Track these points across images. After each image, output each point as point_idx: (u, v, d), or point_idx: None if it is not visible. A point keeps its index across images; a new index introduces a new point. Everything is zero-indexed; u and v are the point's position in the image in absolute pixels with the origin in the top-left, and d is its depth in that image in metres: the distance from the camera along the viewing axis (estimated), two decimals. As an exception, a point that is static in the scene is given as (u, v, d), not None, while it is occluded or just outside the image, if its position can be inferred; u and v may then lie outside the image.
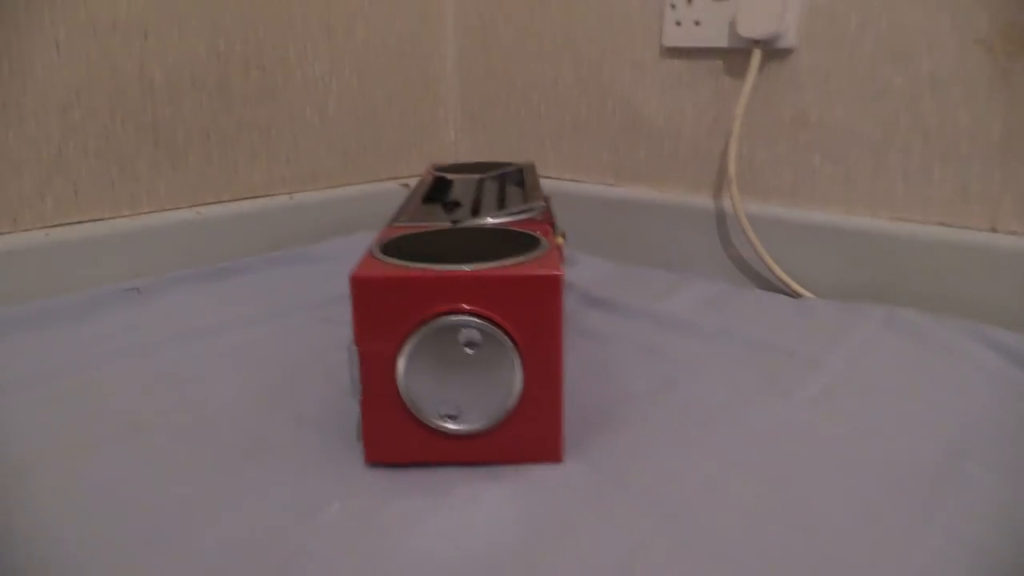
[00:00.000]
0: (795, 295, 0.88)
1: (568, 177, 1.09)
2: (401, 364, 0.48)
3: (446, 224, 0.59)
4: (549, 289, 0.48)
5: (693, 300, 0.84)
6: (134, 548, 0.44)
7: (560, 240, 0.57)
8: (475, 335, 0.48)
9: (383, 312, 0.48)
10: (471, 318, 0.47)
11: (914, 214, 0.84)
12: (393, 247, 0.53)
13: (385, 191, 1.13)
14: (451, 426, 0.50)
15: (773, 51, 0.88)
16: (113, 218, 0.88)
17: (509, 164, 0.88)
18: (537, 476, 0.50)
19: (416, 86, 1.15)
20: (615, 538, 0.45)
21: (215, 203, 0.96)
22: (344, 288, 0.88)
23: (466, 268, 0.48)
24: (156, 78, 0.89)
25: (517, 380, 0.49)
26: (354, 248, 1.02)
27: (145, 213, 0.91)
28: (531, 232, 0.56)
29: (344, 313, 0.81)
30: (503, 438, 0.50)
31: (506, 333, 0.48)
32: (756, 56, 0.87)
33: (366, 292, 0.48)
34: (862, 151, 0.85)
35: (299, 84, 1.02)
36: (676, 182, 1.00)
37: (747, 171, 0.93)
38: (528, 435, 0.51)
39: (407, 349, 0.48)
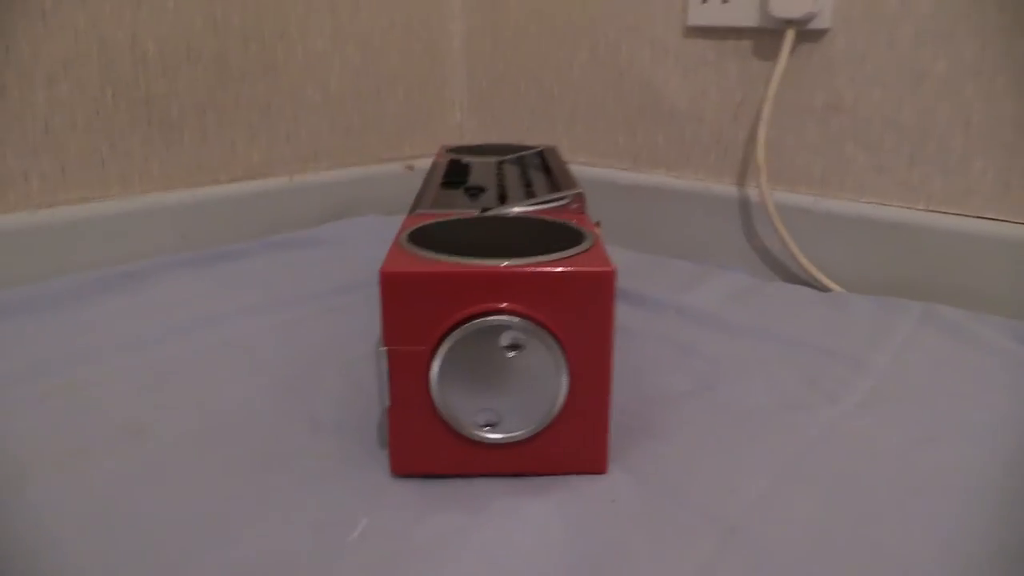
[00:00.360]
0: (823, 289, 0.84)
1: (582, 161, 1.05)
2: (435, 368, 0.44)
3: (474, 212, 0.55)
4: (602, 287, 0.43)
5: (719, 293, 0.80)
6: (138, 573, 0.39)
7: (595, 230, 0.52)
8: (519, 337, 0.43)
9: (416, 311, 0.43)
10: (515, 318, 0.43)
11: (952, 206, 0.80)
12: (422, 237, 0.48)
13: (388, 172, 1.08)
14: (489, 435, 0.45)
15: (806, 32, 0.83)
16: (103, 198, 0.83)
17: (525, 147, 0.83)
18: (581, 489, 0.46)
19: (422, 63, 1.10)
20: (676, 559, 0.40)
21: (211, 184, 0.91)
22: (349, 276, 0.84)
23: (507, 263, 0.43)
24: (149, 50, 0.83)
25: (562, 386, 0.44)
26: (357, 232, 0.97)
27: (137, 194, 0.85)
28: (572, 223, 0.52)
29: (351, 303, 0.77)
30: (544, 448, 0.46)
31: (552, 335, 0.43)
32: (789, 37, 0.83)
33: (397, 289, 0.43)
34: (898, 139, 0.81)
35: (300, 59, 0.96)
36: (697, 168, 0.95)
37: (774, 158, 0.89)
38: (571, 444, 0.46)
39: (442, 351, 0.43)
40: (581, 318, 0.44)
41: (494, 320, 0.43)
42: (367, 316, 0.72)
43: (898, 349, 0.68)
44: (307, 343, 0.67)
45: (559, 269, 0.43)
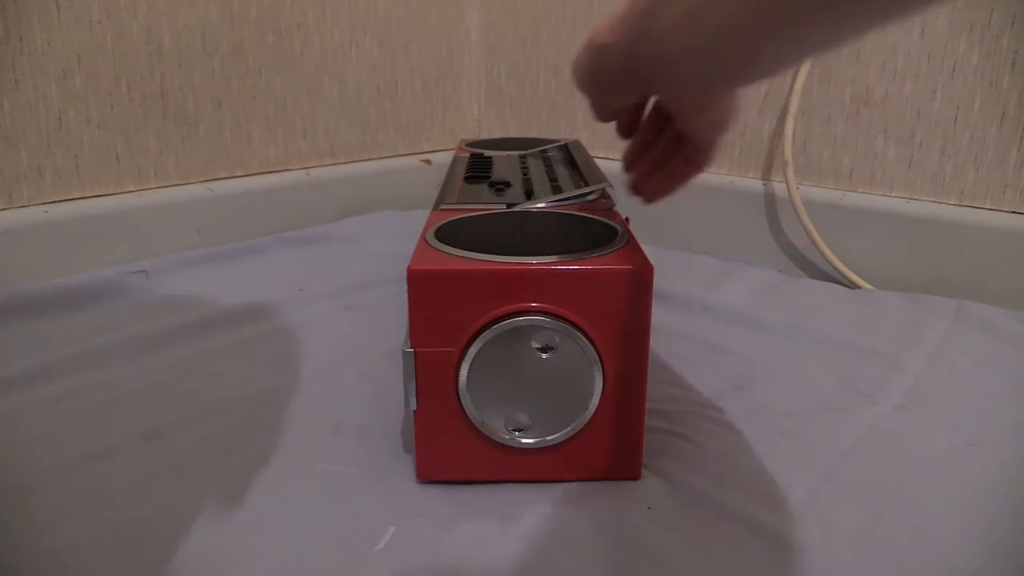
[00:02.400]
0: (852, 286, 0.82)
1: (602, 155, 1.03)
2: (464, 370, 0.42)
3: (501, 207, 0.53)
4: (639, 285, 0.41)
5: (747, 290, 0.78)
6: (161, 583, 0.38)
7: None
8: (552, 338, 0.42)
9: (445, 310, 0.41)
10: (548, 319, 0.41)
11: (986, 201, 0.77)
12: (449, 234, 0.47)
13: (406, 167, 1.06)
14: (519, 440, 0.43)
15: (836, 22, 0.81)
16: (117, 194, 0.81)
17: (547, 140, 0.81)
18: (615, 496, 0.45)
19: (439, 55, 1.08)
20: (718, 570, 0.39)
21: (227, 178, 0.89)
22: (368, 273, 0.82)
23: (538, 260, 0.42)
24: (165, 42, 0.81)
25: (597, 388, 0.43)
26: (375, 227, 0.95)
27: (152, 188, 0.84)
28: (604, 219, 0.50)
29: (370, 300, 0.75)
30: (576, 453, 0.44)
31: (587, 336, 0.42)
32: (818, 27, 0.80)
33: (425, 287, 0.41)
34: (930, 132, 0.79)
35: (317, 51, 0.94)
36: (721, 162, 0.93)
37: (801, 152, 0.87)
38: (604, 449, 0.45)
39: (472, 353, 0.42)
40: (617, 318, 0.42)
41: (526, 320, 0.41)
42: (387, 314, 0.71)
43: (933, 348, 0.66)
44: (324, 343, 0.65)
45: (595, 267, 0.41)
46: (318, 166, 0.97)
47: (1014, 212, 0.76)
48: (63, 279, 0.74)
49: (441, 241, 0.45)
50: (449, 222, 0.49)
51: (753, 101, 0.89)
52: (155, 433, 0.50)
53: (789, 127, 0.84)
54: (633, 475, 0.45)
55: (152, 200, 0.83)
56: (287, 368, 0.60)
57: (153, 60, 0.81)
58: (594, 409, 0.43)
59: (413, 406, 0.43)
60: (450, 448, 0.44)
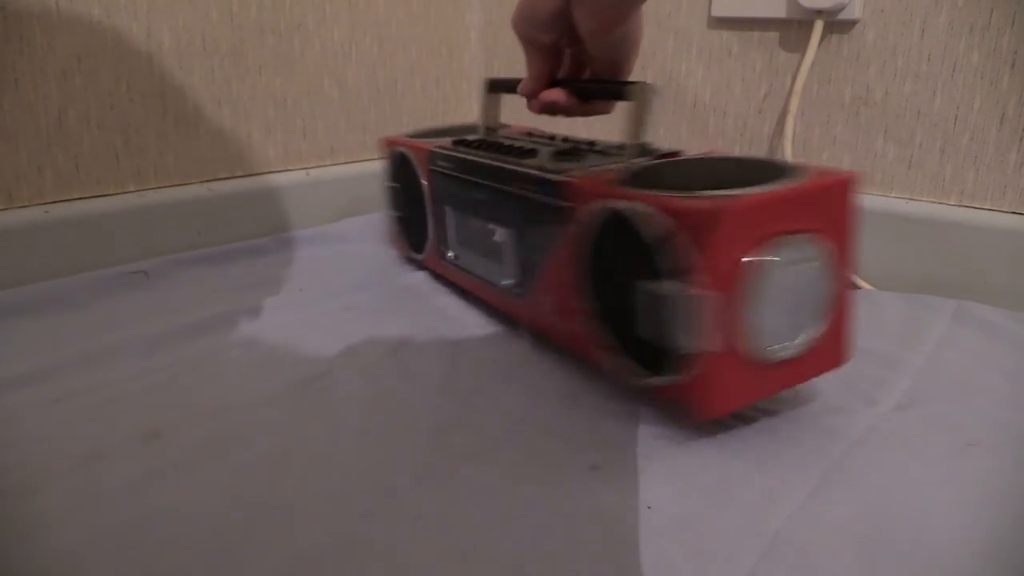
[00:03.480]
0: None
1: (602, 156, 1.03)
2: (743, 302, 0.46)
3: (647, 161, 0.59)
4: (853, 193, 0.49)
5: (746, 291, 0.78)
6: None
7: None
8: (811, 254, 0.47)
9: (728, 245, 0.45)
10: (808, 235, 0.47)
11: (986, 201, 0.77)
12: (647, 179, 0.51)
13: (405, 168, 1.06)
14: (785, 354, 0.48)
15: (836, 23, 0.81)
16: (117, 194, 0.81)
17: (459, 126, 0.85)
18: (614, 494, 0.45)
19: (439, 56, 1.08)
20: (717, 570, 0.39)
21: (227, 178, 0.89)
22: (368, 273, 0.82)
23: (777, 188, 0.46)
24: (164, 42, 0.82)
25: (833, 290, 0.49)
26: (375, 228, 0.95)
27: (152, 189, 0.84)
28: (763, 158, 0.58)
29: (370, 300, 0.75)
30: (818, 353, 0.50)
31: (833, 247, 0.48)
32: (818, 28, 0.81)
33: (725, 222, 0.44)
34: (930, 132, 0.79)
35: (317, 52, 0.94)
36: (721, 163, 0.93)
37: (801, 152, 0.87)
38: (829, 344, 0.50)
39: (747, 279, 0.45)
40: (841, 225, 0.48)
41: (794, 239, 0.46)
42: (387, 314, 0.71)
43: (932, 348, 0.66)
44: (323, 343, 0.65)
45: (831, 182, 0.48)
46: (318, 166, 0.98)
47: (1014, 212, 0.76)
48: (63, 279, 0.74)
49: (646, 188, 0.49)
50: (639, 168, 0.54)
51: (753, 101, 0.89)
52: (155, 433, 0.50)
53: (789, 127, 0.84)
54: (842, 361, 0.52)
55: (152, 200, 0.83)
56: (286, 368, 0.60)
57: (153, 60, 0.81)
58: (832, 309, 0.49)
59: (690, 345, 0.46)
60: (734, 379, 0.48)
